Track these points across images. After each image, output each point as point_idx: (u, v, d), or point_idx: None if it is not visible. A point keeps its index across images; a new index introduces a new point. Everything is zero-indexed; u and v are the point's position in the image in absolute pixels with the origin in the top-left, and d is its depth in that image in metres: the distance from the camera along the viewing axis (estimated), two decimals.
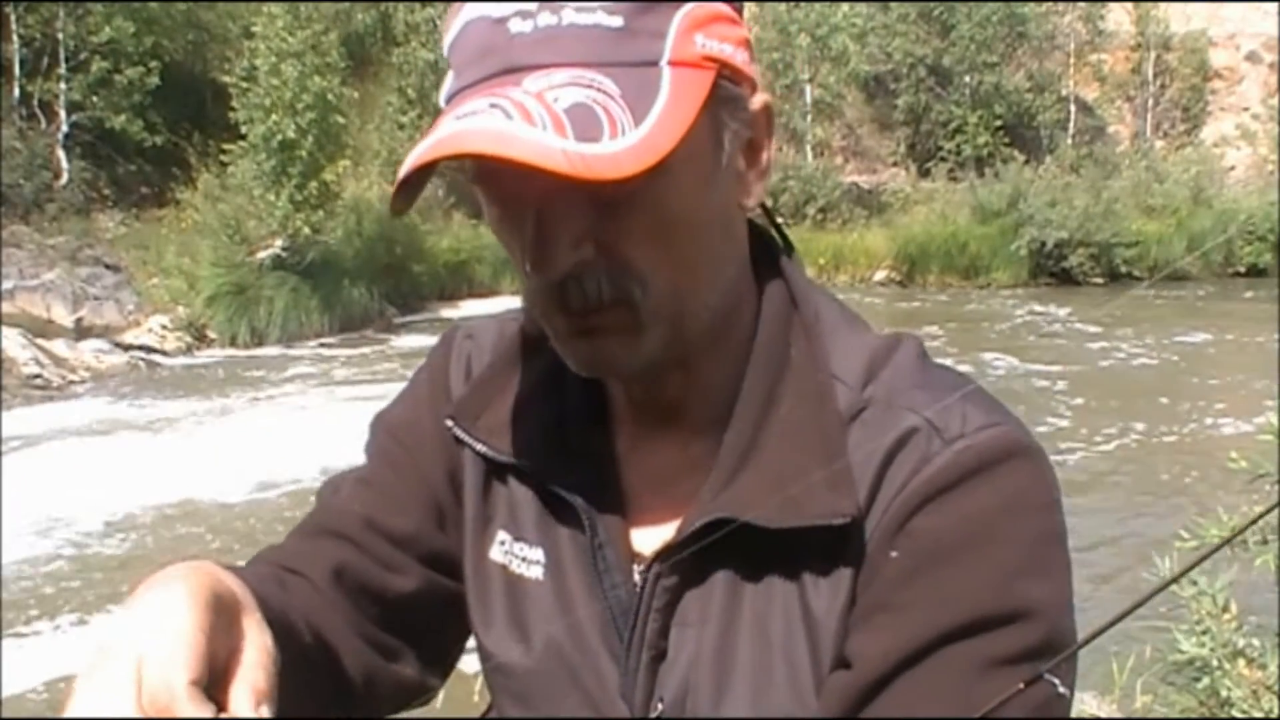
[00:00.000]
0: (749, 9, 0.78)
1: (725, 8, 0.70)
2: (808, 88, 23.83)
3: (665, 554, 0.73)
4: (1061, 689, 0.65)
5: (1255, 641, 1.92)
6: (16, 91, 16.43)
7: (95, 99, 16.41)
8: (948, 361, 0.79)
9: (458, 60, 0.67)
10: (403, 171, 0.63)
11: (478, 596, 0.84)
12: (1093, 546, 6.80)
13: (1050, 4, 27.51)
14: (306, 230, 15.57)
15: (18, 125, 16.12)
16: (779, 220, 0.84)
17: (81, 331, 13.95)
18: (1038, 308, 18.71)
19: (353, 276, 16.36)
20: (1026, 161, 23.23)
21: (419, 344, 13.52)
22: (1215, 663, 1.90)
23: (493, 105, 0.61)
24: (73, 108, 16.55)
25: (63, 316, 14.08)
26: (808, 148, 23.86)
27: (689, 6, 0.67)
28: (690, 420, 0.77)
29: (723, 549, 0.71)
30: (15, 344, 12.43)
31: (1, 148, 15.34)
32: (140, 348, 14.02)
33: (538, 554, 0.80)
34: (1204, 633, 1.93)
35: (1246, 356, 14.13)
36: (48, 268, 14.51)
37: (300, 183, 15.44)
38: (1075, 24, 28.08)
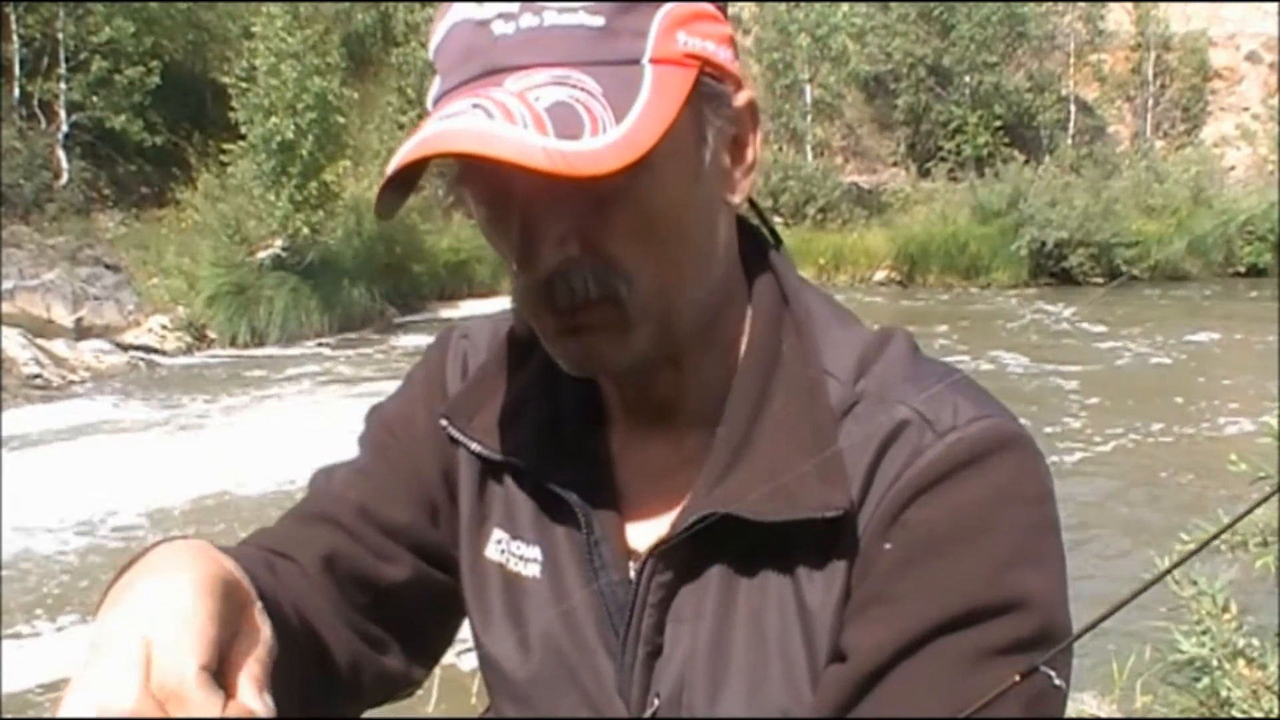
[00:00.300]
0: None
1: (708, 6, 0.70)
2: (808, 88, 23.84)
3: (660, 549, 0.73)
4: (1057, 681, 0.64)
5: (1255, 641, 1.91)
6: (16, 91, 16.41)
7: (95, 99, 16.40)
8: (949, 360, 0.79)
9: (443, 63, 0.67)
10: (388, 172, 0.63)
11: (475, 595, 0.84)
12: (1092, 546, 6.80)
13: (1050, 4, 27.51)
14: (306, 230, 15.57)
15: (18, 125, 16.10)
16: (771, 218, 0.84)
17: (81, 331, 13.95)
18: (1043, 306, 18.72)
19: (352, 276, 16.37)
20: (1026, 161, 23.23)
21: (419, 344, 13.50)
22: (1215, 663, 1.90)
23: (475, 105, 0.62)
24: (73, 108, 16.54)
25: (63, 316, 14.07)
26: (808, 148, 23.87)
27: (671, 5, 0.67)
28: (683, 417, 0.77)
29: (717, 544, 0.71)
30: (15, 344, 12.44)
31: (1, 148, 15.33)
32: (140, 348, 14.03)
33: (534, 552, 0.80)
34: (1204, 633, 1.93)
35: (1249, 356, 14.13)
36: (48, 268, 14.50)
37: (300, 183, 15.44)
38: (1075, 24, 28.08)
